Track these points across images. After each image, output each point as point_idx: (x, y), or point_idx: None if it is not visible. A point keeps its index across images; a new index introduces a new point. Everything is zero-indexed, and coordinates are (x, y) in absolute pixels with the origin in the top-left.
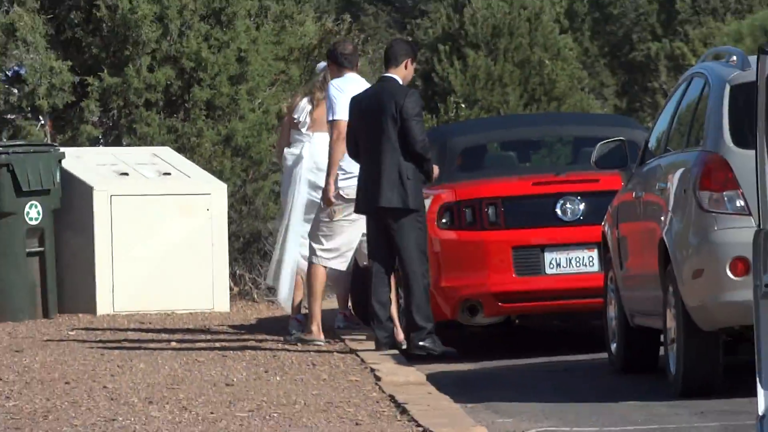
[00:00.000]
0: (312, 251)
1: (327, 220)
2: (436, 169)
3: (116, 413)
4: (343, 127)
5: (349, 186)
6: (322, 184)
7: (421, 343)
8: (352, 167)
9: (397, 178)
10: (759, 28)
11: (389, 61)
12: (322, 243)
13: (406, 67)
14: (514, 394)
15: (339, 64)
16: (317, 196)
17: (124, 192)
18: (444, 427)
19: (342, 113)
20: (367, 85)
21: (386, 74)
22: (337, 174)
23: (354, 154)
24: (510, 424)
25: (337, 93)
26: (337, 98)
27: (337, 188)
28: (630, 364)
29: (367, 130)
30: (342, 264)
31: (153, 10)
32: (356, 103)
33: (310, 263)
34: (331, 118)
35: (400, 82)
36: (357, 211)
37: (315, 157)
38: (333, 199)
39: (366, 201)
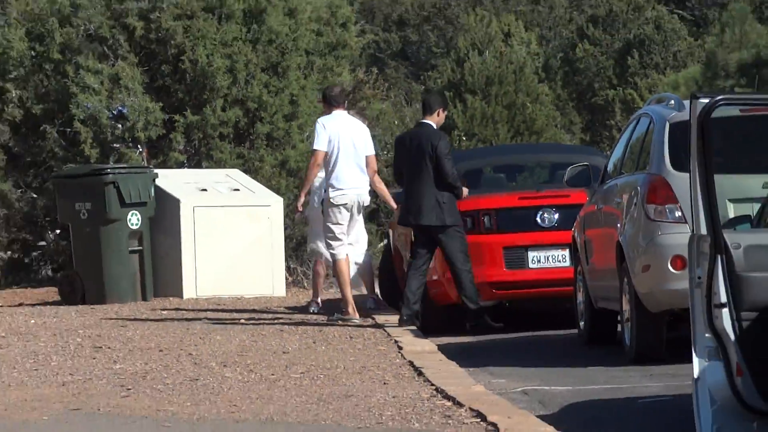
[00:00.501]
0: (330, 248)
1: (332, 224)
2: (465, 191)
3: (198, 374)
4: (320, 156)
5: (337, 196)
6: (333, 200)
7: (476, 321)
8: (342, 183)
9: (434, 203)
10: (691, 79)
11: (426, 109)
12: (334, 242)
13: (438, 115)
14: (505, 360)
15: (329, 103)
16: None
17: (204, 204)
18: (451, 386)
19: (320, 145)
20: (353, 120)
21: (423, 120)
22: (331, 186)
23: (399, 181)
24: (503, 383)
25: (321, 129)
26: (319, 133)
27: (327, 198)
28: (594, 338)
29: (409, 164)
30: (358, 257)
31: (225, 64)
32: (401, 141)
33: (334, 260)
34: (312, 148)
35: (435, 127)
36: (401, 223)
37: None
38: (300, 208)
39: (412, 217)
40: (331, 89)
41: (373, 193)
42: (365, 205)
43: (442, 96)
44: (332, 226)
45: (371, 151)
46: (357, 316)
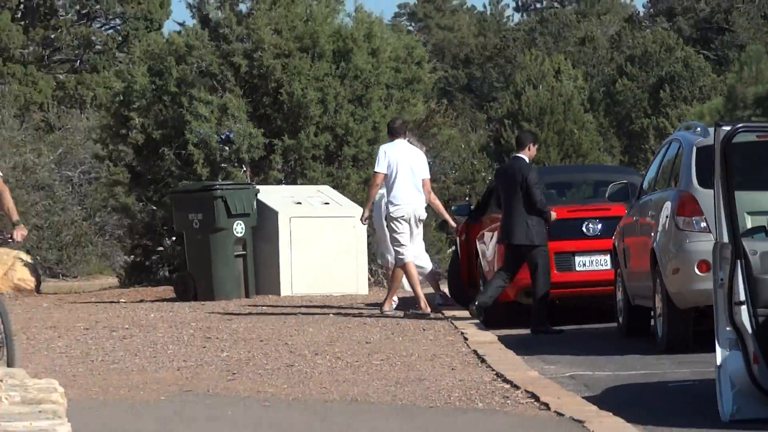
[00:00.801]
0: (398, 255)
1: (396, 234)
2: (553, 214)
3: (293, 361)
4: (379, 178)
5: (396, 210)
6: (392, 213)
7: (539, 330)
8: (400, 200)
9: (524, 224)
10: (714, 110)
11: (519, 145)
12: (400, 248)
13: (529, 149)
14: (555, 349)
15: (391, 133)
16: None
17: (299, 215)
18: (509, 371)
19: (380, 168)
20: (412, 148)
21: (517, 155)
22: (390, 203)
23: (498, 205)
24: (553, 369)
25: (382, 155)
26: (380, 158)
27: (389, 213)
28: (631, 331)
29: (504, 192)
30: (425, 263)
31: (317, 96)
32: (498, 172)
33: (403, 263)
34: (374, 170)
35: (527, 160)
36: (499, 241)
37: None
38: (364, 221)
39: (504, 236)
40: (394, 122)
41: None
42: (421, 219)
43: (533, 133)
44: (396, 236)
45: (426, 175)
46: (428, 310)
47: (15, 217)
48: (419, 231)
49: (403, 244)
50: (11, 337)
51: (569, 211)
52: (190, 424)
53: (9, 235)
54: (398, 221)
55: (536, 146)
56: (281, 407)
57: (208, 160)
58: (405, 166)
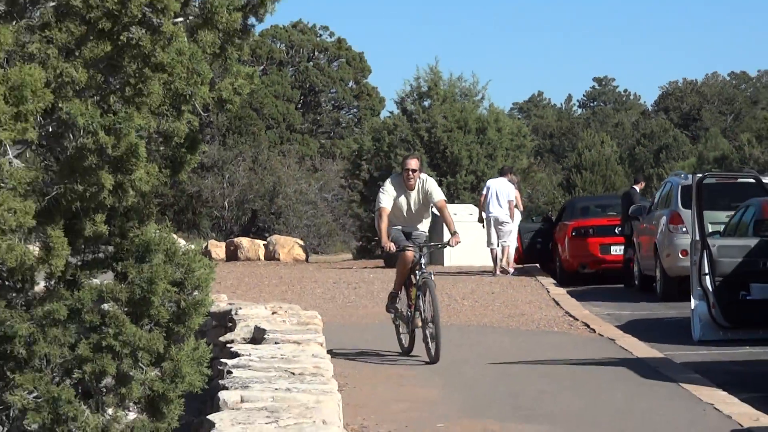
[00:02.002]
0: (488, 243)
1: (488, 231)
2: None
3: (449, 302)
4: (483, 197)
5: (486, 217)
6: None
7: None
8: (489, 211)
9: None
10: (690, 165)
11: (635, 180)
12: (489, 238)
13: (641, 184)
14: (598, 297)
15: (500, 173)
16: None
17: (456, 220)
18: (573, 310)
19: (484, 192)
20: (505, 181)
21: (633, 186)
22: (483, 211)
23: (629, 214)
24: (598, 310)
25: (486, 186)
26: (485, 188)
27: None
28: (642, 288)
29: (624, 206)
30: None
31: (467, 154)
32: (624, 194)
33: (502, 247)
34: (481, 194)
35: (638, 190)
36: (621, 233)
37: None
38: (478, 221)
39: (626, 229)
40: (502, 169)
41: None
42: (501, 221)
43: (643, 172)
44: (490, 231)
45: (511, 197)
46: (502, 272)
47: (453, 228)
48: (503, 228)
49: (491, 237)
50: (438, 317)
51: (608, 220)
52: (389, 335)
53: (447, 242)
54: (486, 222)
55: (644, 183)
56: (443, 328)
57: None
58: (494, 192)
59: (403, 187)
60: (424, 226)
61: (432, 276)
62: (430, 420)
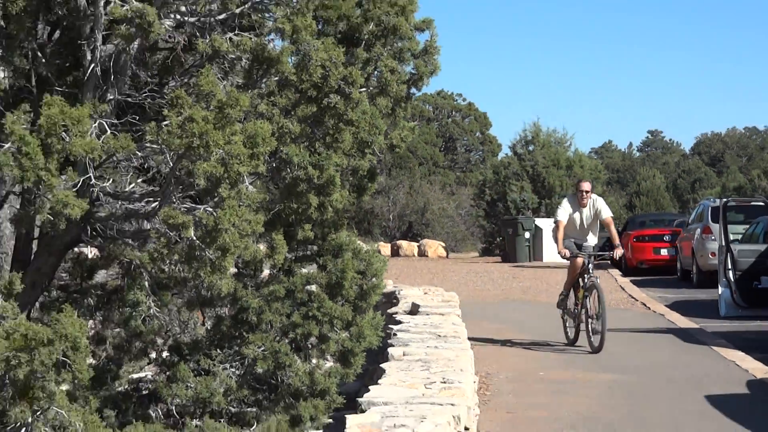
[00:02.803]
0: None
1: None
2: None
3: (548, 288)
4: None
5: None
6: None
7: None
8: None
9: None
10: (716, 193)
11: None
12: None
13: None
14: (654, 285)
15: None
16: None
17: (546, 227)
18: (634, 294)
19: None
20: (597, 199)
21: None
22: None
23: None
24: (652, 293)
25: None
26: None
27: None
28: (683, 278)
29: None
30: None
31: (558, 183)
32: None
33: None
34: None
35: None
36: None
37: None
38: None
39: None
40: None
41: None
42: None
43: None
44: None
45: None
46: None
47: (616, 242)
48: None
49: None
50: (605, 314)
51: (659, 230)
52: (504, 309)
53: (612, 253)
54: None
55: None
56: (543, 305)
57: (517, 206)
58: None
59: (577, 204)
60: (593, 238)
61: (598, 279)
62: (535, 370)
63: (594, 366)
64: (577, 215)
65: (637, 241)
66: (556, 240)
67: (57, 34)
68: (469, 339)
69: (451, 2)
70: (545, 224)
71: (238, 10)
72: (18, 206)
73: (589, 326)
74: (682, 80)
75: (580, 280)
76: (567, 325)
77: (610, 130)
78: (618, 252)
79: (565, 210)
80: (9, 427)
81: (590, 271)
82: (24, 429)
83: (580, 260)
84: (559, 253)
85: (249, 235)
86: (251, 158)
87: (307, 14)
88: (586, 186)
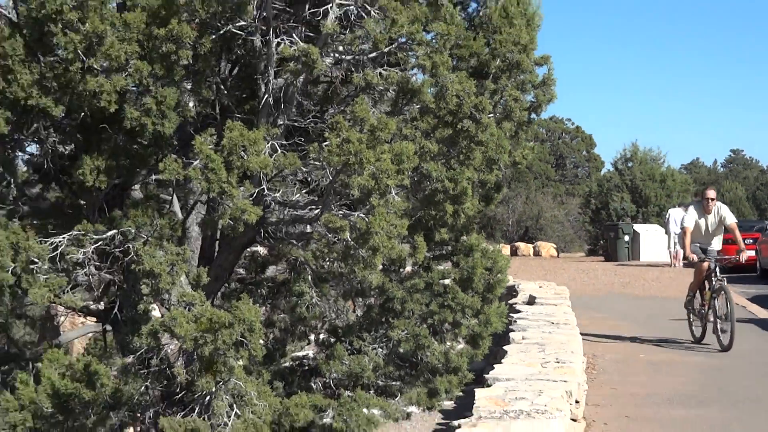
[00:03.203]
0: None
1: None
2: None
3: (648, 281)
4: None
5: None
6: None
7: None
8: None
9: None
10: None
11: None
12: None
13: None
14: (737, 282)
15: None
16: None
17: (645, 231)
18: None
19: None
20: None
21: None
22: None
23: None
24: (736, 288)
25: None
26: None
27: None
28: (762, 277)
29: None
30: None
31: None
32: None
33: (677, 250)
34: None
35: None
36: None
37: None
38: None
39: None
40: (679, 203)
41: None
42: (676, 233)
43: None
44: (669, 240)
45: (681, 220)
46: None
47: (741, 246)
48: (676, 240)
49: (668, 244)
50: (733, 314)
51: (743, 234)
52: (608, 301)
53: (737, 257)
54: (667, 235)
55: None
56: (638, 299)
57: (617, 214)
58: (674, 217)
59: (703, 211)
60: (717, 243)
61: (725, 281)
62: (636, 352)
63: (686, 351)
64: (702, 221)
65: (724, 243)
66: (683, 245)
67: (236, 70)
68: (578, 326)
69: (566, 38)
70: (642, 229)
71: (386, 50)
72: (204, 212)
73: (718, 326)
74: (762, 104)
75: (707, 282)
76: (693, 324)
77: (697, 148)
78: (744, 255)
79: (691, 217)
80: (197, 395)
81: (717, 273)
82: (208, 396)
83: (706, 264)
84: (685, 257)
85: (395, 237)
86: (397, 173)
87: (444, 52)
88: (711, 194)
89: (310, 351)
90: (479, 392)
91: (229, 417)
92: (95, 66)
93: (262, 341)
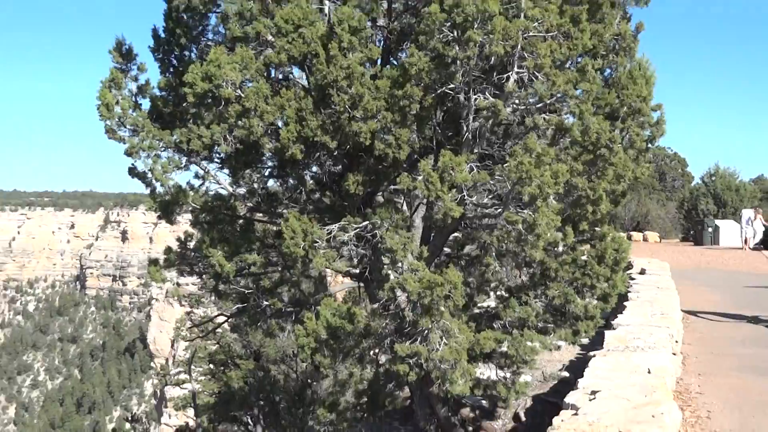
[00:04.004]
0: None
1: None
2: None
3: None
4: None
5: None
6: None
7: None
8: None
9: None
10: None
11: None
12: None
13: None
14: None
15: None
16: None
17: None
18: None
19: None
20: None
21: None
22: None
23: None
24: None
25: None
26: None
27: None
28: None
29: None
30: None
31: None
32: None
33: (746, 237)
34: None
35: None
36: None
37: None
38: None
39: None
40: (752, 207)
41: None
42: (746, 227)
43: None
44: (742, 231)
45: (751, 218)
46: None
47: None
48: (746, 231)
49: (741, 233)
50: None
51: None
52: (697, 273)
53: None
54: (741, 229)
55: None
56: (722, 272)
57: (703, 213)
58: (747, 217)
59: None
60: None
61: None
62: (721, 309)
63: (759, 309)
64: None
65: None
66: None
67: (446, 116)
68: (676, 290)
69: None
70: (721, 223)
71: (548, 102)
72: (424, 210)
73: None
74: None
75: None
76: None
77: (765, 163)
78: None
79: None
80: (418, 329)
81: None
82: (426, 331)
83: None
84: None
85: (552, 228)
86: (555, 185)
87: (588, 102)
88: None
89: (492, 302)
90: (608, 333)
91: (440, 345)
92: (357, 115)
93: (461, 295)
